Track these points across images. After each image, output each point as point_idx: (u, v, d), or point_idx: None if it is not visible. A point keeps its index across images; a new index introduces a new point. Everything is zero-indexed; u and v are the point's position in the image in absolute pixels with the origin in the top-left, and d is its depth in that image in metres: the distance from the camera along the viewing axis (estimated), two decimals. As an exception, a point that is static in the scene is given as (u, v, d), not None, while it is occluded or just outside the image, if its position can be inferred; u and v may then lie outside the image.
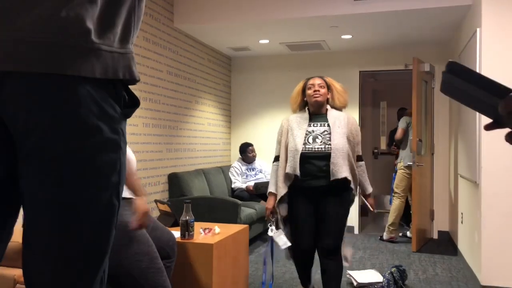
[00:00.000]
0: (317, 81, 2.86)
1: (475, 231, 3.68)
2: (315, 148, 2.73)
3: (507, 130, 0.70)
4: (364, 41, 5.41)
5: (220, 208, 4.43)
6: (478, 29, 3.53)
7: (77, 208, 0.89)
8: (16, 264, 2.33)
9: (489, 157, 3.44)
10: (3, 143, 0.89)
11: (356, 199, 3.03)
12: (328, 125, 2.78)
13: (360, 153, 2.91)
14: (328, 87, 2.89)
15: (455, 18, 4.41)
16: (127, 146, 2.25)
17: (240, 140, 6.16)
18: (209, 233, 2.92)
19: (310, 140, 2.75)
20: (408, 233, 5.35)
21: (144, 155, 4.27)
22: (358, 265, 4.25)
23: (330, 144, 2.70)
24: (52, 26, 0.84)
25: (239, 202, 4.48)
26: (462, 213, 4.43)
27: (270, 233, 2.89)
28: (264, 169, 5.64)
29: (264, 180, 5.43)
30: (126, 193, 2.13)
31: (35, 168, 0.87)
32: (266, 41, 5.45)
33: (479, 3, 3.58)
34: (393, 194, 5.33)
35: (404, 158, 5.21)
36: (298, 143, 2.74)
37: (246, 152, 5.58)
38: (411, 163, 4.87)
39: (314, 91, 2.82)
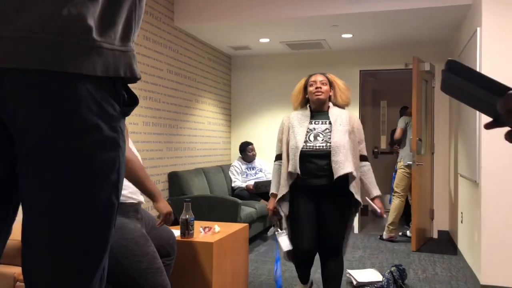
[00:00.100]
0: (319, 77, 2.79)
1: (475, 231, 3.68)
2: (316, 146, 2.67)
3: (507, 128, 0.70)
4: (365, 40, 5.41)
5: (220, 207, 4.43)
6: (478, 29, 3.53)
7: (76, 206, 0.89)
8: (16, 262, 2.33)
9: (489, 156, 3.44)
10: (3, 143, 0.90)
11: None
12: (330, 123, 2.72)
13: (365, 153, 2.81)
14: (330, 84, 2.82)
15: (455, 18, 4.41)
16: (133, 146, 2.27)
17: (240, 139, 6.16)
18: (209, 232, 2.92)
19: (311, 138, 2.69)
20: (408, 233, 5.35)
21: (144, 153, 4.27)
22: (358, 264, 4.25)
23: (331, 143, 2.64)
24: (53, 24, 0.85)
25: (239, 201, 4.48)
26: (462, 213, 4.43)
27: (269, 233, 2.88)
28: (264, 168, 5.65)
29: (264, 179, 5.43)
30: (131, 196, 2.14)
31: (35, 166, 0.87)
32: (267, 40, 5.45)
33: (479, 2, 3.58)
34: (393, 193, 5.33)
35: (404, 158, 5.21)
36: (299, 141, 2.69)
37: (246, 151, 5.58)
38: (411, 163, 4.87)
39: (316, 88, 2.75)
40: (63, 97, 0.86)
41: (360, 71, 5.95)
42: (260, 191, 5.14)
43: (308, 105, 2.85)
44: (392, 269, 3.59)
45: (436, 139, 5.60)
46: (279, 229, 2.82)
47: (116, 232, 1.92)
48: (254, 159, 5.64)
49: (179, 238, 2.71)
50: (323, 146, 2.66)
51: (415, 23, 4.62)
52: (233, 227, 3.12)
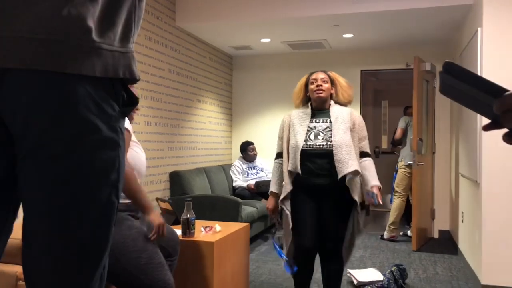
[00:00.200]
0: (321, 75, 2.74)
1: (476, 230, 3.68)
2: (316, 145, 2.62)
3: (506, 130, 0.70)
4: (366, 40, 5.41)
5: (221, 206, 4.44)
6: (479, 29, 3.53)
7: (76, 206, 0.89)
8: (18, 261, 2.34)
9: (490, 156, 3.44)
10: (3, 143, 0.90)
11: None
12: (331, 121, 2.66)
13: (366, 150, 2.73)
14: (332, 82, 2.77)
15: (456, 18, 4.41)
16: (138, 148, 2.22)
17: (241, 139, 6.17)
18: (210, 231, 2.92)
19: (312, 136, 2.64)
20: (409, 232, 5.35)
21: (146, 153, 4.26)
22: (359, 263, 4.26)
23: (331, 141, 2.59)
24: (53, 25, 0.85)
25: (240, 200, 4.49)
26: (462, 212, 4.43)
27: (276, 241, 2.81)
28: (265, 168, 5.65)
29: (265, 178, 5.44)
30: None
31: (34, 166, 0.88)
32: (268, 40, 5.45)
33: (480, 2, 3.58)
34: (393, 193, 5.34)
35: (405, 157, 5.22)
36: (299, 139, 2.64)
37: (247, 151, 5.59)
38: (411, 162, 4.87)
39: (317, 86, 2.70)
40: (62, 97, 0.87)
41: (361, 71, 5.95)
42: (261, 190, 5.14)
43: (309, 103, 2.80)
44: (393, 268, 3.59)
45: (437, 138, 5.60)
46: (278, 233, 2.76)
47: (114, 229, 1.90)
48: (255, 158, 5.65)
49: (180, 238, 2.71)
50: (323, 145, 2.61)
51: (416, 23, 4.62)
52: (234, 227, 3.13)
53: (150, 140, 4.35)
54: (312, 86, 2.74)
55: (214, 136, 5.90)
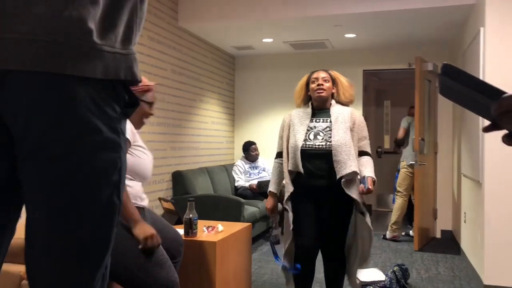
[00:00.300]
0: (322, 74, 2.71)
1: (478, 231, 3.68)
2: (315, 145, 2.58)
3: (505, 131, 0.71)
4: (368, 40, 5.41)
5: (223, 206, 4.45)
6: (481, 29, 3.53)
7: (76, 207, 0.89)
8: (22, 261, 2.34)
9: (492, 156, 3.44)
10: (5, 144, 0.90)
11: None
12: (331, 121, 2.62)
13: (366, 149, 2.68)
14: (333, 81, 2.73)
15: (458, 17, 4.41)
16: (147, 156, 2.15)
17: (243, 139, 6.18)
18: (212, 231, 2.93)
19: (311, 136, 2.61)
20: (411, 232, 5.34)
21: (148, 153, 4.29)
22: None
23: (331, 142, 2.55)
24: (54, 26, 0.85)
25: (242, 200, 4.49)
26: (465, 212, 4.43)
27: (273, 239, 2.81)
28: (267, 168, 5.65)
29: (267, 178, 5.44)
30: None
31: (35, 168, 0.88)
32: (270, 40, 5.46)
33: (482, 2, 3.58)
34: (396, 193, 5.33)
35: (407, 157, 5.21)
36: (298, 139, 2.61)
37: (249, 151, 5.60)
38: (413, 162, 4.87)
39: (318, 85, 2.67)
40: (62, 99, 0.87)
41: (363, 70, 5.95)
42: (263, 190, 5.15)
43: (310, 103, 2.77)
44: (395, 268, 3.59)
45: (439, 138, 5.60)
46: (278, 234, 2.77)
47: None
48: (257, 158, 5.66)
49: (183, 237, 2.71)
50: (322, 145, 2.57)
51: (418, 22, 4.62)
52: (236, 226, 3.13)
53: (152, 140, 4.37)
54: (313, 85, 2.71)
55: (217, 136, 5.91)
